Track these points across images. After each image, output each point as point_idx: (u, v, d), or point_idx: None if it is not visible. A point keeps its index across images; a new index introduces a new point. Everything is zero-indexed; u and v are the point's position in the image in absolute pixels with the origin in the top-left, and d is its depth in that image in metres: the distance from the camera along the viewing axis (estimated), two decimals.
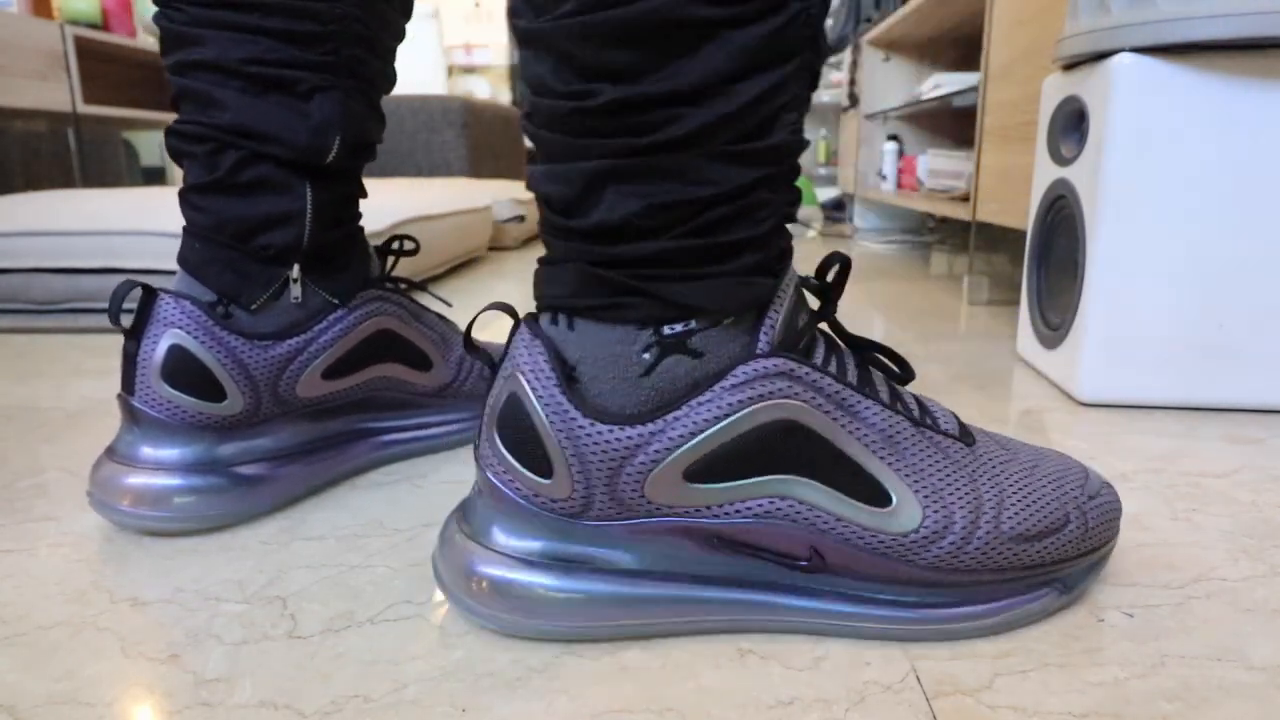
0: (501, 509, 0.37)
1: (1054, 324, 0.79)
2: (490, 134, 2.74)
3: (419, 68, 3.77)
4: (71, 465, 0.60)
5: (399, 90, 3.29)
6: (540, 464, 0.36)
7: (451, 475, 0.57)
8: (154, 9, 0.49)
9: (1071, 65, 0.76)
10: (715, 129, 0.33)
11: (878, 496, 0.36)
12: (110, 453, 0.48)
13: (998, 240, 1.27)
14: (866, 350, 0.40)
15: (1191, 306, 0.68)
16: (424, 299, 1.22)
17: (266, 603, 0.41)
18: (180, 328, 0.47)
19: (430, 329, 0.59)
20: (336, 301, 0.53)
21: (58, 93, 1.97)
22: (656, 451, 0.35)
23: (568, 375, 0.36)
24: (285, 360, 0.50)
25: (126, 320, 0.90)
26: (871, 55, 2.33)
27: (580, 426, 0.35)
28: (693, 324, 0.35)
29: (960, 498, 0.37)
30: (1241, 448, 0.62)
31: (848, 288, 1.42)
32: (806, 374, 0.35)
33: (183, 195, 0.50)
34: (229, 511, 0.49)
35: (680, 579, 0.37)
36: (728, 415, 0.35)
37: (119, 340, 1.03)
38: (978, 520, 0.37)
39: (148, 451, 0.47)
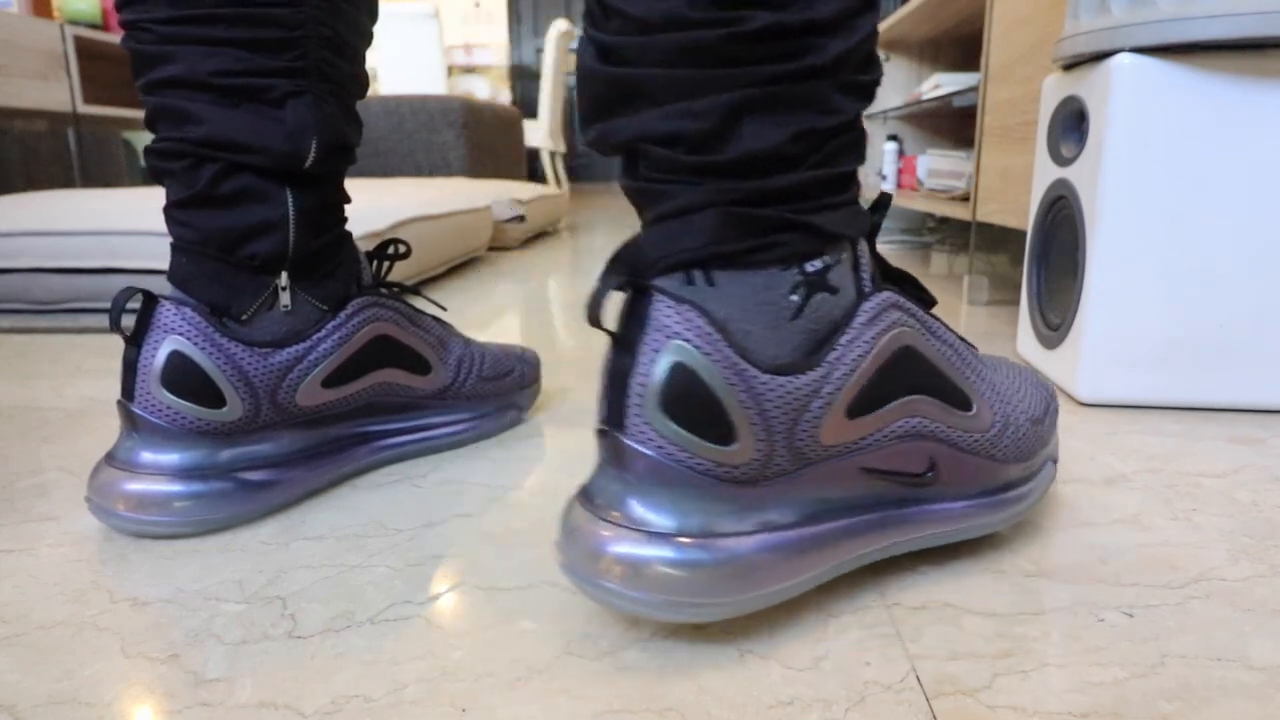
0: (670, 487, 0.35)
1: (1054, 324, 0.79)
2: (490, 134, 2.74)
3: (419, 68, 3.77)
4: (71, 465, 0.60)
5: (399, 90, 3.30)
6: (722, 431, 0.34)
7: (452, 475, 0.57)
8: None
9: (1071, 65, 0.76)
10: (843, 59, 0.35)
11: (964, 403, 0.41)
12: (109, 458, 0.48)
13: (998, 240, 1.27)
14: (899, 279, 0.42)
15: (1191, 306, 0.68)
16: (418, 303, 1.22)
17: (266, 603, 0.41)
18: (181, 334, 0.47)
19: (427, 332, 0.59)
20: (326, 308, 0.53)
21: (58, 93, 1.97)
22: (828, 394, 0.36)
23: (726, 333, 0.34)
24: (285, 368, 0.51)
25: (128, 325, 0.91)
26: None
27: (762, 383, 0.34)
28: (828, 259, 0.36)
29: (999, 396, 0.44)
30: (1241, 448, 0.62)
31: None
32: (904, 303, 0.39)
33: (167, 212, 0.50)
34: (229, 516, 0.49)
35: (827, 517, 0.38)
36: (871, 348, 0.37)
37: (119, 341, 1.03)
38: (1012, 413, 0.44)
39: (147, 457, 0.47)
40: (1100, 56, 0.69)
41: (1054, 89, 0.79)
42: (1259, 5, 0.60)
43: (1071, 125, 0.75)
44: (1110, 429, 0.66)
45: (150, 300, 0.47)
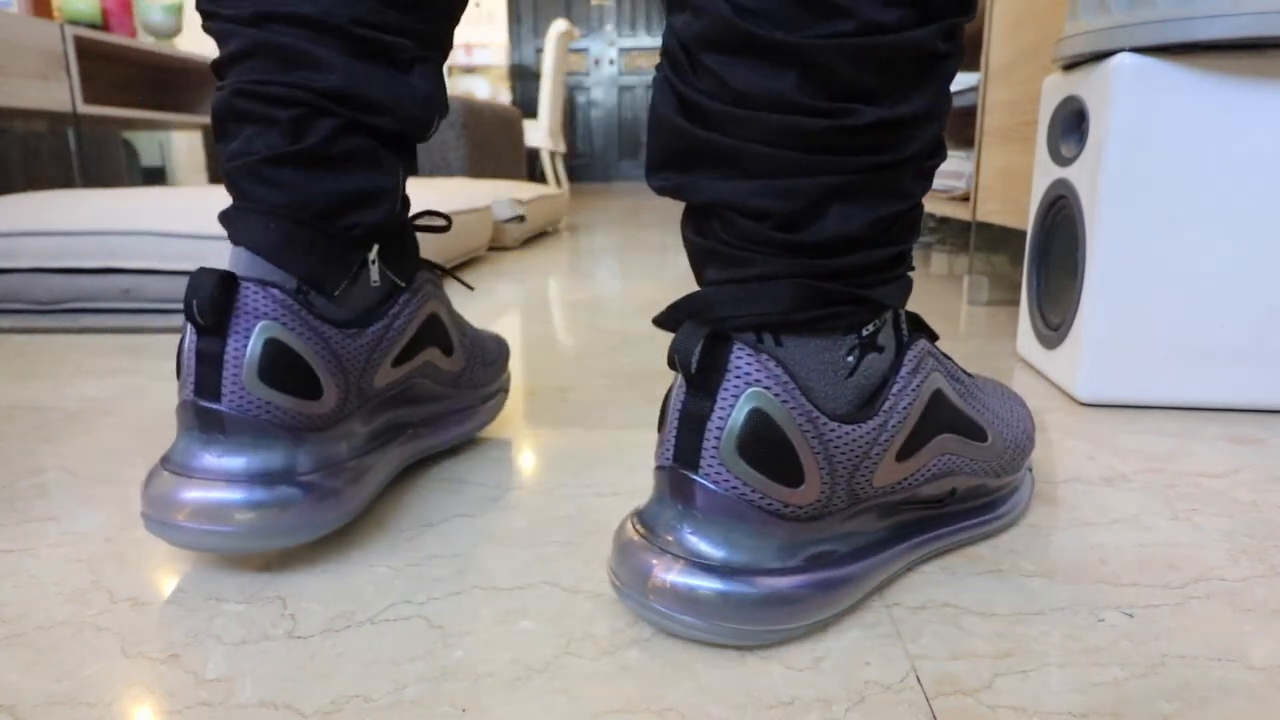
0: (739, 523, 0.36)
1: (1054, 324, 0.78)
2: (490, 134, 2.74)
3: None
4: (71, 465, 0.60)
5: None
6: (791, 473, 0.36)
7: (452, 475, 0.57)
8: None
9: (1071, 65, 0.76)
10: (925, 148, 0.37)
11: (980, 435, 0.45)
12: (167, 463, 0.42)
13: (998, 240, 1.27)
14: (913, 320, 0.44)
15: (1191, 306, 0.68)
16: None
17: (266, 603, 0.41)
18: (274, 319, 0.41)
19: (453, 314, 0.58)
20: (403, 284, 0.51)
21: (58, 93, 1.97)
22: (884, 441, 0.39)
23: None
24: (370, 348, 0.47)
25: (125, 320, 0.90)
26: None
27: (831, 430, 0.37)
28: (878, 322, 0.40)
29: (1001, 420, 0.48)
30: (1241, 448, 0.62)
31: None
32: (934, 349, 0.42)
33: (247, 168, 0.43)
34: (303, 524, 0.43)
35: (871, 550, 0.41)
36: (916, 396, 0.40)
37: (119, 340, 1.03)
38: (1009, 434, 0.48)
39: (215, 462, 0.41)
40: (1100, 56, 0.69)
41: (1054, 89, 0.79)
42: (1259, 5, 0.60)
43: (1071, 125, 0.75)
44: (1110, 429, 0.66)
45: (229, 282, 0.41)
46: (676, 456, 0.37)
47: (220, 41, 0.44)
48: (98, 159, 2.61)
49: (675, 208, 3.76)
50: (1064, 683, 0.34)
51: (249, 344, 0.41)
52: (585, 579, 0.43)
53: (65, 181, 2.40)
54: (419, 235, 0.57)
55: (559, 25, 3.82)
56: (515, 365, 0.89)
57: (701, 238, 0.39)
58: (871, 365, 0.39)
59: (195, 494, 0.41)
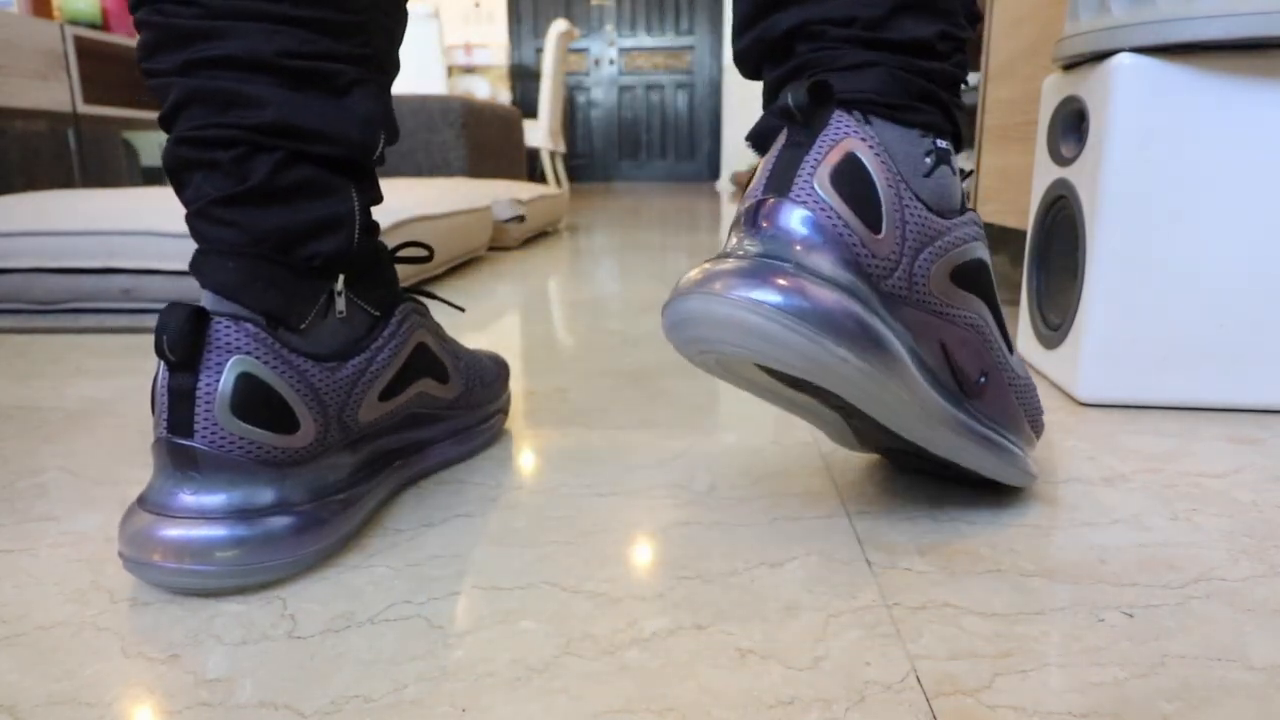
0: (827, 250, 0.40)
1: (1054, 324, 0.78)
2: (490, 134, 2.74)
3: (419, 67, 3.77)
4: (71, 465, 0.60)
5: (399, 90, 3.30)
6: (872, 216, 0.41)
7: (452, 475, 0.57)
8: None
9: (1071, 65, 0.76)
10: None
11: (1009, 344, 0.48)
12: (144, 502, 0.42)
13: (998, 240, 1.27)
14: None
15: (1191, 306, 0.68)
16: (430, 305, 1.22)
17: (266, 603, 0.41)
18: (247, 353, 0.41)
19: (445, 341, 0.58)
20: (378, 314, 0.51)
21: (58, 93, 1.97)
22: (949, 242, 0.43)
23: None
24: (350, 382, 0.47)
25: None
26: None
27: (911, 195, 0.42)
28: (949, 145, 0.45)
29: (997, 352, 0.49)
30: (1241, 448, 0.62)
31: None
32: (979, 219, 0.46)
33: (202, 212, 0.44)
34: (287, 557, 0.42)
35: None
36: (975, 238, 0.44)
37: (119, 340, 1.03)
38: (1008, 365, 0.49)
39: (201, 500, 0.41)
40: (1100, 56, 0.69)
41: (1054, 89, 0.79)
42: (1259, 5, 0.60)
43: (1071, 125, 0.75)
44: (1110, 429, 0.66)
45: (200, 317, 0.40)
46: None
47: (161, 97, 0.44)
48: (98, 159, 2.61)
49: (675, 208, 3.76)
50: (1064, 683, 0.34)
51: (221, 379, 0.41)
52: (585, 579, 0.43)
53: (65, 181, 2.40)
54: (403, 262, 0.58)
55: (559, 25, 3.82)
56: (515, 365, 0.89)
57: (790, 59, 0.45)
58: (942, 179, 0.44)
59: (174, 532, 0.40)
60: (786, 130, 0.42)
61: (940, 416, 0.44)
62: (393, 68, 0.51)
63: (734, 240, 0.42)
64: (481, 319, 1.15)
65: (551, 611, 0.40)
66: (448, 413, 0.58)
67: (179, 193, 0.45)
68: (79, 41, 2.06)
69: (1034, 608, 0.40)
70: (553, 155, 4.01)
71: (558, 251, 2.03)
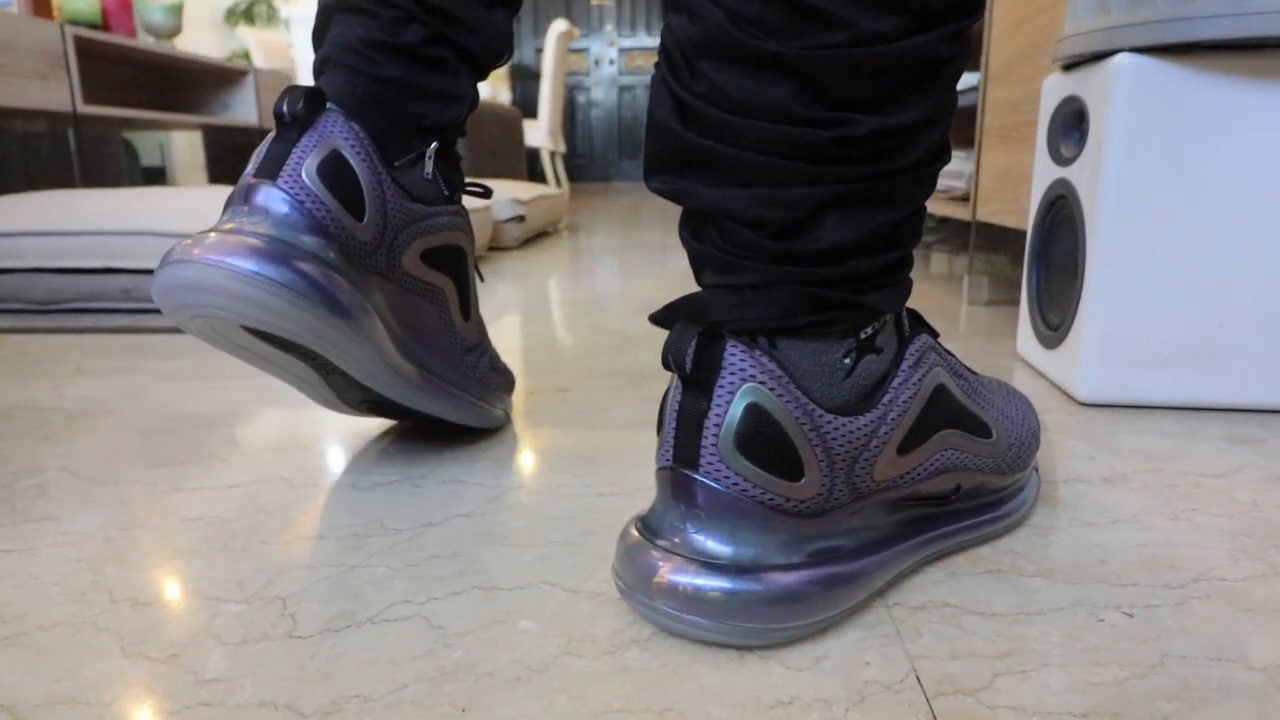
0: (742, 520, 0.36)
1: (1054, 324, 0.78)
2: (490, 134, 2.74)
3: None
4: (72, 465, 0.60)
5: None
6: (791, 467, 0.36)
7: (450, 475, 0.57)
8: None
9: (1071, 65, 0.76)
10: (928, 154, 0.37)
11: (985, 431, 0.45)
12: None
13: (998, 240, 1.27)
14: (913, 317, 0.44)
15: (1191, 306, 0.68)
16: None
17: (266, 603, 0.41)
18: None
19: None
20: (449, 193, 0.56)
21: (58, 93, 1.97)
22: (883, 434, 0.39)
23: None
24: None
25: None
26: None
27: (828, 422, 0.37)
28: (876, 325, 0.39)
29: (1006, 418, 0.47)
30: (1241, 448, 0.62)
31: None
32: (936, 345, 0.42)
33: (347, 43, 0.50)
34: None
35: (876, 547, 0.41)
36: (916, 390, 0.40)
37: (119, 340, 1.03)
38: (1015, 431, 0.48)
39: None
40: (1100, 56, 0.69)
41: (1054, 89, 0.79)
42: (1259, 5, 0.60)
43: (1071, 125, 0.75)
44: (1110, 429, 0.66)
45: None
46: (676, 456, 0.37)
47: None
48: (98, 159, 2.61)
49: (675, 208, 3.77)
50: (1064, 683, 0.34)
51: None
52: (585, 579, 0.43)
53: (65, 181, 2.40)
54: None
55: (559, 25, 3.82)
56: (516, 365, 0.89)
57: (698, 242, 0.39)
58: (869, 366, 0.39)
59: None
60: (680, 381, 0.36)
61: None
62: (518, 6, 0.58)
63: (663, 505, 0.38)
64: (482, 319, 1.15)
65: (551, 611, 0.40)
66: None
67: (320, 34, 0.53)
68: (79, 41, 2.06)
69: (1034, 608, 0.40)
70: (552, 155, 4.01)
71: (558, 251, 2.03)
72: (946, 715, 0.32)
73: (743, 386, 0.35)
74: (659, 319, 0.39)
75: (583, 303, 1.28)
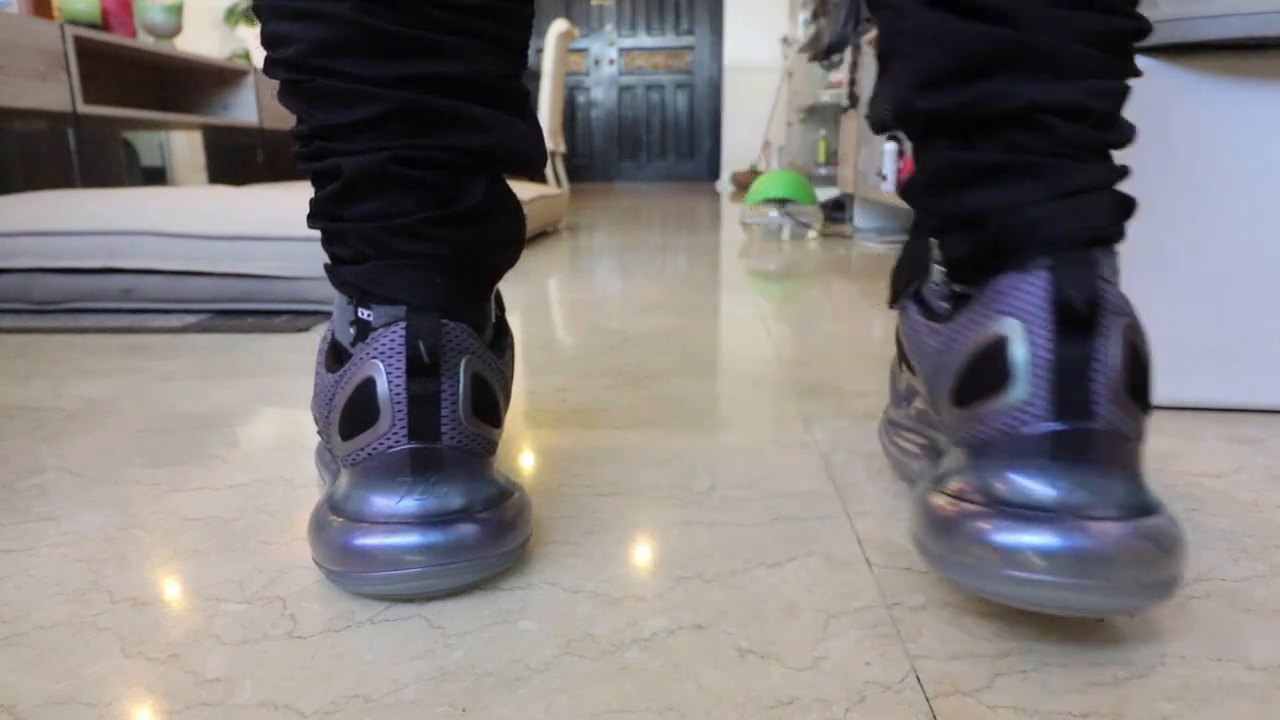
0: (1112, 468, 0.34)
1: None
2: None
3: None
4: (72, 465, 0.60)
5: None
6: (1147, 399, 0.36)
7: None
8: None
9: None
10: None
11: None
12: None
13: None
14: None
15: (1192, 307, 0.68)
16: None
17: (266, 603, 0.41)
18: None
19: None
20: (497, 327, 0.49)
21: (58, 93, 1.97)
22: None
23: None
24: None
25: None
26: (872, 56, 2.33)
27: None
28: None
29: None
30: (1241, 448, 0.62)
31: (848, 288, 1.42)
32: None
33: (405, 229, 0.42)
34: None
35: None
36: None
37: (119, 340, 1.03)
38: None
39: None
40: None
41: None
42: (1260, 5, 0.60)
43: None
44: None
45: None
46: (1069, 409, 0.33)
47: (340, 102, 0.41)
48: (98, 159, 2.61)
49: (675, 208, 3.76)
50: (1064, 683, 0.34)
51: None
52: (585, 579, 0.43)
53: (65, 181, 2.40)
54: None
55: (559, 25, 3.82)
56: (516, 365, 0.89)
57: (1005, 152, 0.37)
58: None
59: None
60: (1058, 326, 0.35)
61: None
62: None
63: (1038, 461, 0.35)
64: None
65: (551, 611, 0.40)
66: None
67: (353, 202, 0.42)
68: (79, 41, 2.06)
69: None
70: (553, 155, 4.01)
71: (558, 251, 2.03)
72: (946, 715, 0.32)
73: (1119, 324, 0.34)
74: (954, 246, 0.38)
75: (583, 303, 1.28)
